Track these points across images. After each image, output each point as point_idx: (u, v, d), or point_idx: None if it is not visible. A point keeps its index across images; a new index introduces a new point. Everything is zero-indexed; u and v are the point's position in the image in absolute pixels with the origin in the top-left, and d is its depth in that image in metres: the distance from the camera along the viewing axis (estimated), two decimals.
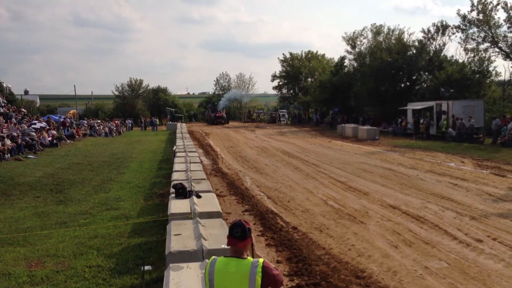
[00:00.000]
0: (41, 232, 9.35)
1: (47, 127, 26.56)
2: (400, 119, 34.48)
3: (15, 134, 21.29)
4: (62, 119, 33.38)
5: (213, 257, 3.32)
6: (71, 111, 54.93)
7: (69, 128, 31.10)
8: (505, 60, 33.35)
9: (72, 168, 17.57)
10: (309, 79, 61.19)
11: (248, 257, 3.23)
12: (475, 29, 32.99)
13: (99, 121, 44.92)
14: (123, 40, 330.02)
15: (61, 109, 64.66)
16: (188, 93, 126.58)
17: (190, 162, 14.81)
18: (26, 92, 70.44)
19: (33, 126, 25.28)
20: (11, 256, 7.91)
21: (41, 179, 14.92)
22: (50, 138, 24.84)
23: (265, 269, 3.14)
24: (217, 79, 73.81)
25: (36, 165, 17.73)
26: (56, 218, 10.70)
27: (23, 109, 35.49)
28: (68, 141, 27.74)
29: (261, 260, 3.19)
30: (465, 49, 35.28)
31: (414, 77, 39.73)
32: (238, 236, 3.21)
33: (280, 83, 64.52)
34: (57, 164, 18.28)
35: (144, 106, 64.17)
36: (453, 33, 36.71)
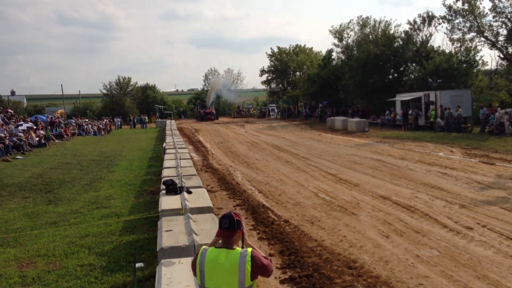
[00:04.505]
0: (31, 233, 9.28)
1: (34, 127, 26.30)
2: (388, 111, 34.66)
3: (2, 135, 21.04)
4: (50, 119, 33.07)
5: (203, 247, 3.36)
6: (59, 111, 54.43)
7: (57, 128, 30.84)
8: (491, 49, 33.61)
9: (61, 167, 17.43)
10: (298, 73, 61.10)
11: (237, 248, 3.27)
12: (461, 19, 33.12)
13: (87, 120, 44.62)
14: (109, 38, 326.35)
15: (48, 109, 64.15)
16: (177, 90, 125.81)
17: (180, 159, 14.74)
18: (12, 93, 69.85)
19: (20, 127, 25.03)
20: (1, 257, 7.84)
21: (30, 180, 14.79)
22: (38, 138, 24.62)
23: (254, 258, 3.20)
24: (206, 75, 73.56)
25: (25, 165, 17.56)
26: (46, 218, 10.61)
27: (10, 110, 35.13)
28: (57, 141, 27.53)
29: (249, 249, 3.25)
30: (451, 39, 35.54)
31: (401, 69, 39.83)
32: (226, 227, 3.26)
33: (269, 77, 64.23)
34: (46, 164, 18.12)
35: (133, 104, 63.99)
36: (439, 24, 36.91)
